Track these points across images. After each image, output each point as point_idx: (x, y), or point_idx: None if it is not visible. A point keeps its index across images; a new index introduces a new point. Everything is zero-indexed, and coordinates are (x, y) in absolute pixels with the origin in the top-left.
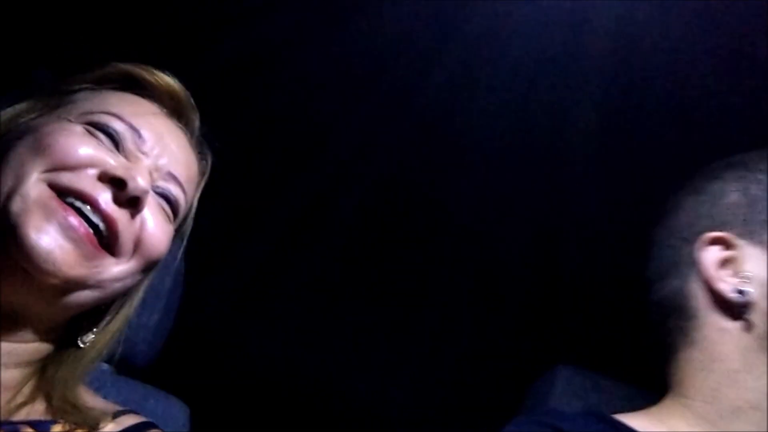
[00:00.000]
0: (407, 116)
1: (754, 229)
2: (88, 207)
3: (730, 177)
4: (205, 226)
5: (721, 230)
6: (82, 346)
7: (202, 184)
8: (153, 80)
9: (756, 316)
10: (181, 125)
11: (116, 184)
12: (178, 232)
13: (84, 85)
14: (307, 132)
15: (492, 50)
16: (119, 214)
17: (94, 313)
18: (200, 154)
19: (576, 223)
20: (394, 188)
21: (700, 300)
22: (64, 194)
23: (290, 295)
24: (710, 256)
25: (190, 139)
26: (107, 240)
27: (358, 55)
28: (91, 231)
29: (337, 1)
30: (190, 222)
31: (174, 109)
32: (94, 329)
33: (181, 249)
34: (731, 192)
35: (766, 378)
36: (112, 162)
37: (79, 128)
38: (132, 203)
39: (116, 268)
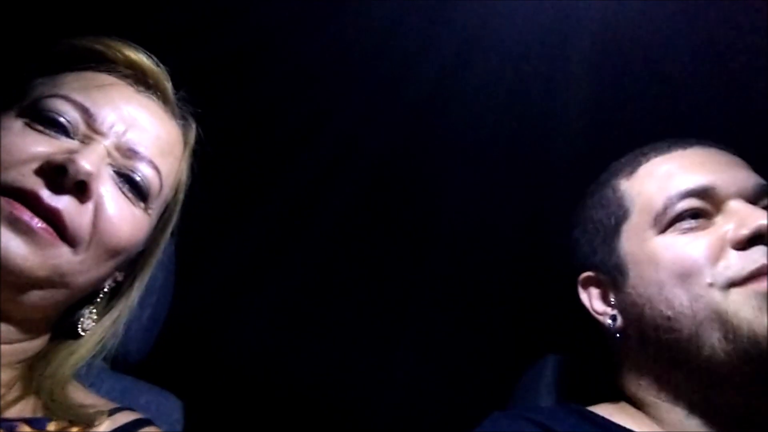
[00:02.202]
0: (394, 113)
1: (601, 258)
2: (32, 204)
3: (575, 215)
4: (197, 220)
5: (585, 270)
6: (82, 334)
7: (188, 153)
8: (110, 52)
9: (630, 335)
10: (148, 94)
11: (59, 171)
12: (166, 211)
13: (42, 71)
14: (295, 128)
15: (478, 47)
16: (64, 203)
17: (92, 305)
18: (181, 120)
19: (562, 214)
20: (382, 183)
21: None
22: (9, 194)
23: (283, 289)
24: (586, 297)
25: (163, 106)
26: (60, 232)
27: (346, 51)
28: (43, 222)
29: None
30: (180, 197)
31: (137, 78)
32: (94, 318)
33: (171, 229)
34: (576, 230)
35: (666, 379)
36: (51, 150)
37: (18, 124)
38: (78, 188)
39: (74, 258)
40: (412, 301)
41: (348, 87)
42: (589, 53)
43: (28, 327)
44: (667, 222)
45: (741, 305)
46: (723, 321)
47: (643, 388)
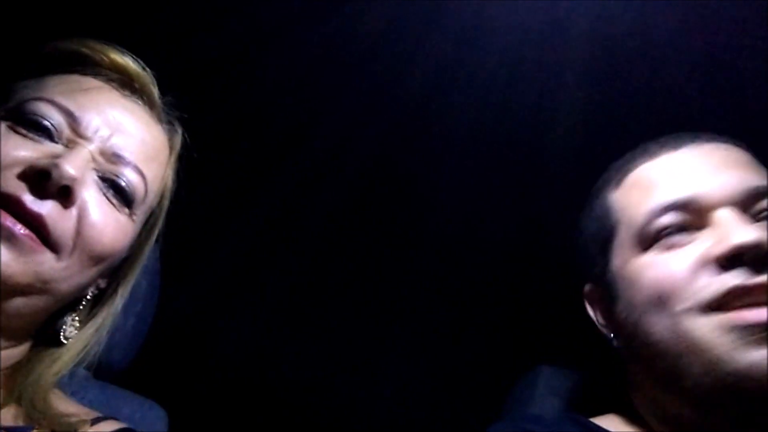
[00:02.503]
0: (387, 115)
1: (599, 272)
2: (15, 209)
3: (577, 222)
4: (182, 227)
5: (587, 281)
6: (65, 342)
7: (173, 158)
8: (96, 56)
9: (625, 350)
10: (135, 98)
11: (42, 176)
12: (150, 217)
13: (30, 75)
14: (285, 130)
15: (472, 49)
16: (48, 209)
17: (75, 313)
18: (167, 126)
19: (556, 220)
20: (375, 186)
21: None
22: None
23: (271, 296)
24: (591, 309)
25: (149, 110)
26: (43, 238)
27: (339, 53)
28: (26, 228)
29: None
30: (165, 203)
31: (123, 82)
32: (77, 325)
33: (155, 235)
34: (578, 239)
35: (661, 401)
36: (34, 155)
37: (2, 127)
38: (62, 193)
39: (57, 264)
40: (405, 307)
41: (340, 89)
42: (585, 55)
43: (10, 334)
44: (650, 239)
45: (718, 338)
46: (702, 352)
47: (645, 405)
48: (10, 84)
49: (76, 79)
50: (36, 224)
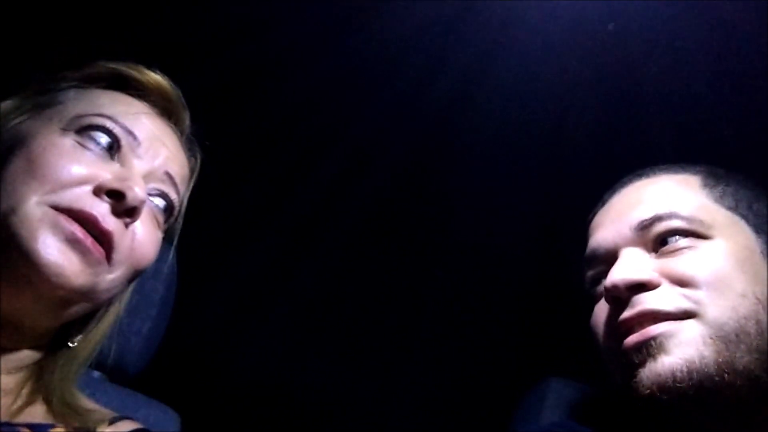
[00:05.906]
0: (408, 130)
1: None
2: (91, 225)
3: None
4: (199, 234)
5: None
6: (72, 346)
7: (192, 183)
8: (144, 79)
9: None
10: (171, 124)
11: (114, 196)
12: (167, 233)
13: (72, 83)
14: (306, 143)
15: (492, 62)
16: (115, 226)
17: (83, 317)
18: (190, 152)
19: (572, 229)
20: (391, 200)
21: None
22: (68, 213)
23: (284, 303)
24: None
25: (181, 138)
26: (107, 252)
27: (362, 65)
28: (97, 242)
29: (343, 6)
30: (179, 221)
31: (165, 108)
32: (84, 331)
33: (171, 252)
34: None
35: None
36: (107, 175)
37: (69, 141)
38: (129, 213)
39: (109, 277)
40: (418, 323)
41: (363, 103)
42: (604, 60)
43: (38, 334)
44: (588, 289)
45: (617, 365)
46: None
47: None
48: (56, 89)
49: (127, 99)
50: (104, 240)
